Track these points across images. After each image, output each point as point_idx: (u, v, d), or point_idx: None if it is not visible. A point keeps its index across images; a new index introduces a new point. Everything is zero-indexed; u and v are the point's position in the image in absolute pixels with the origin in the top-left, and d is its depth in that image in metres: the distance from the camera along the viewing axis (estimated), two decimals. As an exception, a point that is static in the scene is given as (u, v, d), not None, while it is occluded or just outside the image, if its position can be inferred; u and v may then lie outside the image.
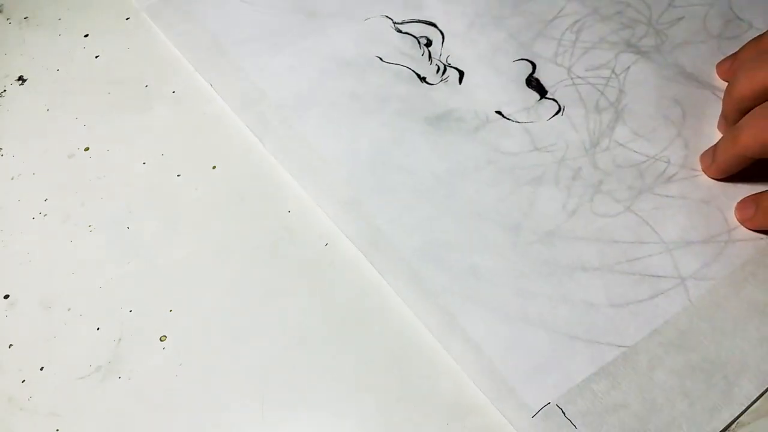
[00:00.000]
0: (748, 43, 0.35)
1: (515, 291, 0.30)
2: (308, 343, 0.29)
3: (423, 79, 0.37)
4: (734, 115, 0.32)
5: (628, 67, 0.37)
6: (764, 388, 0.28)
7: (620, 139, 0.34)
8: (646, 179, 0.33)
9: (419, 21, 0.39)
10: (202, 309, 0.31)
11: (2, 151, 0.37)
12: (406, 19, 0.40)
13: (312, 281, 0.31)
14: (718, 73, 0.36)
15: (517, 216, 0.32)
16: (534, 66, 0.37)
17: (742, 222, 0.32)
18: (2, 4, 0.44)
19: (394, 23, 0.39)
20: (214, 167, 0.35)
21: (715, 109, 0.35)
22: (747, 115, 0.31)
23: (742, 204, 0.32)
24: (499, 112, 0.36)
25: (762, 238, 0.31)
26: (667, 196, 0.32)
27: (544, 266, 0.31)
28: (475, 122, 0.35)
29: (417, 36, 0.39)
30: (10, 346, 0.30)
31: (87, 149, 0.36)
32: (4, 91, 0.39)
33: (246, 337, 0.30)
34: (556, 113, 0.35)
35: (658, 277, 0.30)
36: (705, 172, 0.33)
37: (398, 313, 0.30)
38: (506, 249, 0.31)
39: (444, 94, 0.36)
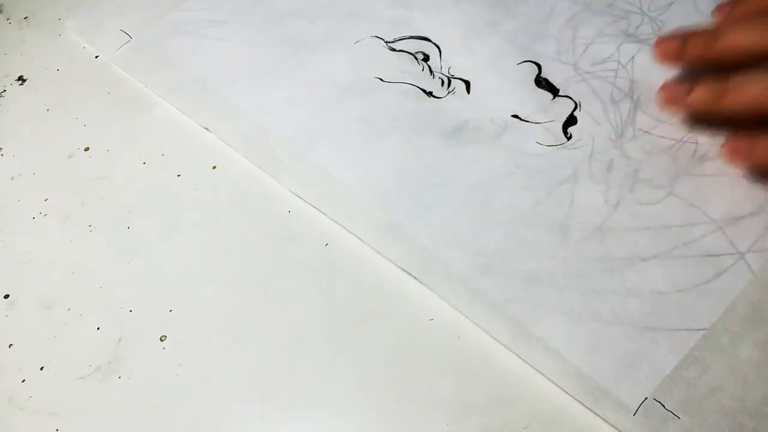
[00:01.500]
0: (700, 32, 0.33)
1: (581, 291, 0.30)
2: (308, 342, 0.29)
3: (430, 94, 0.36)
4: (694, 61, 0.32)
5: (633, 57, 0.36)
6: None
7: (644, 127, 0.34)
8: (680, 162, 0.33)
9: (411, 37, 0.39)
10: (202, 309, 0.31)
11: (2, 151, 0.37)
12: (398, 36, 0.39)
13: (312, 281, 0.31)
14: (659, 53, 0.34)
15: (560, 216, 0.32)
16: (539, 66, 0.37)
17: (660, 56, 0.33)
18: (2, 4, 0.44)
19: (386, 42, 0.38)
20: (214, 167, 0.35)
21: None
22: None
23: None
24: (516, 116, 0.35)
25: None
26: (704, 175, 0.32)
27: (601, 262, 0.30)
28: (494, 129, 0.35)
29: (413, 52, 0.38)
30: (10, 346, 0.30)
31: (87, 149, 0.36)
32: (4, 91, 0.39)
33: (246, 337, 0.30)
34: (574, 109, 0.35)
35: (717, 255, 0.30)
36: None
37: (399, 313, 0.30)
38: (558, 250, 0.31)
39: (454, 106, 0.36)
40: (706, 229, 0.31)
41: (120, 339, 0.30)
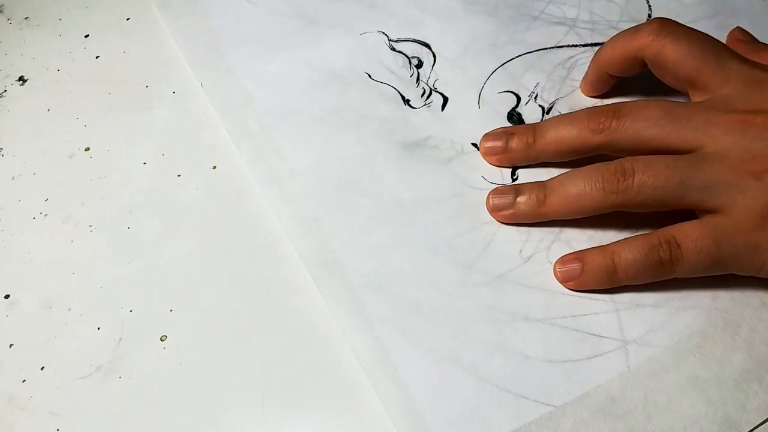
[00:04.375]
0: (593, 56, 0.35)
1: (454, 333, 0.29)
2: (309, 342, 0.29)
3: (407, 102, 0.36)
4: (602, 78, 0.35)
5: None
6: None
7: None
8: (607, 233, 0.31)
9: (414, 40, 0.39)
10: (202, 309, 0.31)
11: (3, 151, 0.37)
12: (402, 37, 0.39)
13: (312, 281, 0.31)
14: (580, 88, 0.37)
15: (471, 254, 0.31)
16: (519, 99, 0.36)
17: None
18: (3, 4, 0.44)
19: (390, 40, 0.39)
20: (214, 167, 0.35)
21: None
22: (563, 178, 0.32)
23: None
24: (475, 145, 0.35)
25: (716, 309, 0.29)
26: None
27: (487, 311, 0.30)
28: (449, 152, 0.34)
29: (409, 56, 0.38)
30: (11, 345, 0.30)
31: (87, 149, 0.36)
32: (5, 91, 0.39)
33: (246, 337, 0.30)
34: None
35: (601, 337, 0.29)
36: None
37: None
38: (454, 288, 0.30)
39: (424, 119, 0.36)
40: (602, 306, 0.30)
41: (120, 339, 0.30)
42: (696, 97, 0.31)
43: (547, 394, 0.27)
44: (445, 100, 0.36)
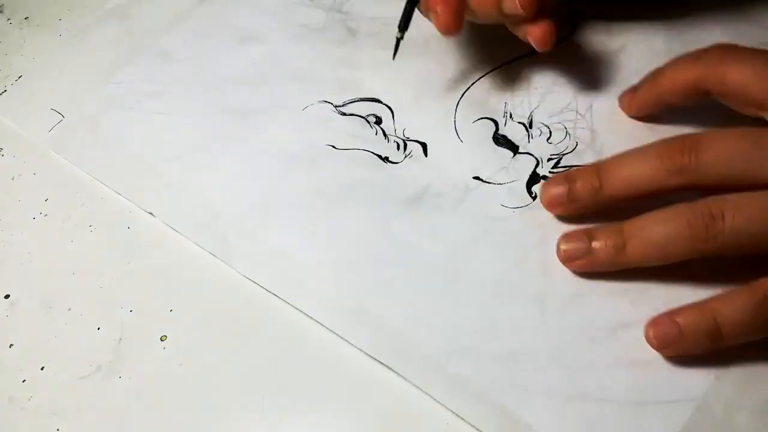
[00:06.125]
0: (647, 77, 0.33)
1: (564, 367, 0.27)
2: (309, 342, 0.29)
3: (386, 159, 0.34)
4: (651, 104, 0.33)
5: (591, 105, 0.35)
6: None
7: None
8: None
9: (361, 99, 0.36)
10: (202, 309, 0.31)
11: (2, 151, 0.37)
12: (347, 100, 0.36)
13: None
14: (620, 107, 0.34)
15: (534, 285, 0.29)
16: (496, 123, 0.35)
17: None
18: (2, 5, 0.44)
19: (335, 107, 0.36)
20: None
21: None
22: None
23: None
24: (477, 178, 0.33)
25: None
26: None
27: (582, 333, 0.28)
28: (456, 194, 0.32)
29: (364, 116, 0.35)
30: (11, 345, 0.30)
31: (87, 149, 0.36)
32: (5, 91, 0.39)
33: (246, 337, 0.30)
34: (536, 166, 0.33)
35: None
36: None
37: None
38: (536, 323, 0.28)
39: (413, 170, 0.33)
40: (690, 287, 0.28)
41: (120, 339, 0.30)
42: None
43: (686, 390, 0.26)
44: (424, 146, 0.34)
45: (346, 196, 0.33)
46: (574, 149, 0.33)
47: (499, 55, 0.37)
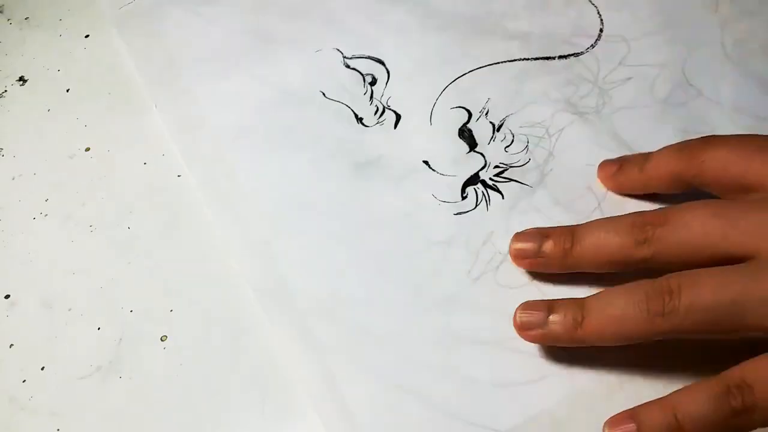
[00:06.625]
0: (634, 159, 0.32)
1: (402, 358, 0.28)
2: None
3: (360, 120, 0.35)
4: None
5: (563, 129, 0.34)
6: None
7: (539, 204, 0.32)
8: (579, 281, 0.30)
9: (368, 57, 0.37)
10: (202, 309, 0.31)
11: (3, 152, 0.37)
12: (357, 54, 0.38)
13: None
14: (598, 175, 0.32)
15: (420, 277, 0.30)
16: (470, 115, 0.35)
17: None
18: (3, 5, 0.44)
19: (344, 57, 0.38)
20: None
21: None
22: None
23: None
24: (426, 162, 0.34)
25: None
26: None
27: (435, 334, 0.29)
28: (401, 170, 0.34)
29: (364, 73, 0.37)
30: (11, 345, 0.30)
31: (88, 149, 0.36)
32: (5, 91, 0.39)
33: (246, 337, 0.30)
34: (481, 169, 0.33)
35: (547, 359, 0.28)
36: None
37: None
38: (402, 311, 0.29)
39: (377, 137, 0.35)
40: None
41: (121, 339, 0.30)
42: None
43: (495, 419, 0.27)
44: (398, 117, 0.35)
45: (309, 141, 0.35)
46: (523, 165, 0.33)
47: (512, 51, 0.37)
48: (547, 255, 0.29)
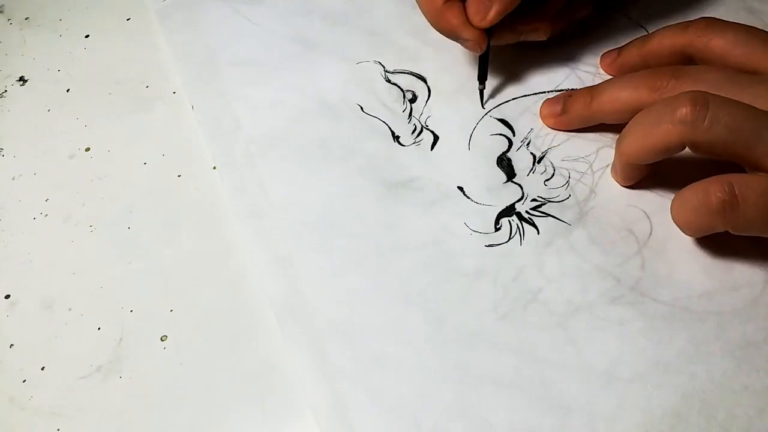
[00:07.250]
0: (634, 41, 0.34)
1: (416, 392, 0.27)
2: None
3: (396, 138, 0.34)
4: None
5: (607, 166, 0.32)
6: None
7: (575, 244, 0.30)
8: (589, 295, 0.29)
9: (410, 73, 0.37)
10: (202, 309, 0.31)
11: (3, 152, 0.37)
12: (398, 69, 0.37)
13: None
14: (601, 65, 0.36)
15: (444, 309, 0.29)
16: (510, 144, 0.34)
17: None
18: (3, 5, 0.44)
19: (386, 71, 0.37)
20: (214, 167, 0.35)
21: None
22: (628, 123, 0.30)
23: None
24: (460, 188, 0.32)
25: (694, 390, 0.27)
26: (603, 319, 0.28)
27: (454, 370, 0.27)
28: (433, 195, 0.32)
29: (404, 89, 0.36)
30: (11, 346, 0.30)
31: (88, 149, 0.36)
32: (5, 91, 0.39)
33: (246, 337, 0.30)
34: (518, 201, 0.32)
35: (569, 409, 0.26)
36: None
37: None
38: (422, 342, 0.28)
39: (412, 158, 0.34)
40: (574, 376, 0.27)
41: (121, 339, 0.30)
42: None
43: None
44: (436, 138, 0.34)
45: (341, 157, 0.34)
46: (562, 201, 0.32)
47: (557, 80, 0.36)
48: (570, 110, 0.33)
